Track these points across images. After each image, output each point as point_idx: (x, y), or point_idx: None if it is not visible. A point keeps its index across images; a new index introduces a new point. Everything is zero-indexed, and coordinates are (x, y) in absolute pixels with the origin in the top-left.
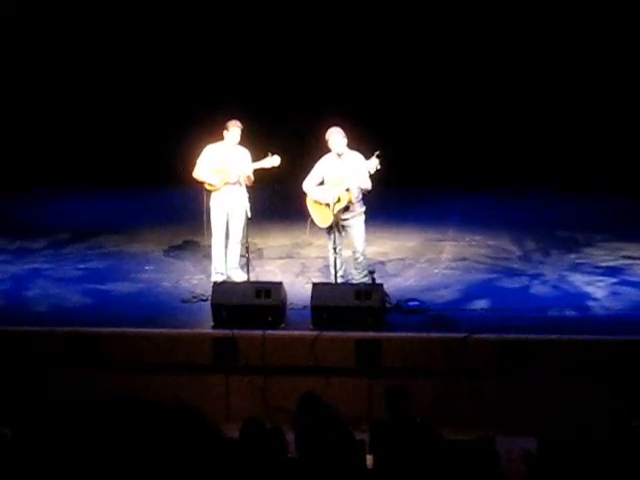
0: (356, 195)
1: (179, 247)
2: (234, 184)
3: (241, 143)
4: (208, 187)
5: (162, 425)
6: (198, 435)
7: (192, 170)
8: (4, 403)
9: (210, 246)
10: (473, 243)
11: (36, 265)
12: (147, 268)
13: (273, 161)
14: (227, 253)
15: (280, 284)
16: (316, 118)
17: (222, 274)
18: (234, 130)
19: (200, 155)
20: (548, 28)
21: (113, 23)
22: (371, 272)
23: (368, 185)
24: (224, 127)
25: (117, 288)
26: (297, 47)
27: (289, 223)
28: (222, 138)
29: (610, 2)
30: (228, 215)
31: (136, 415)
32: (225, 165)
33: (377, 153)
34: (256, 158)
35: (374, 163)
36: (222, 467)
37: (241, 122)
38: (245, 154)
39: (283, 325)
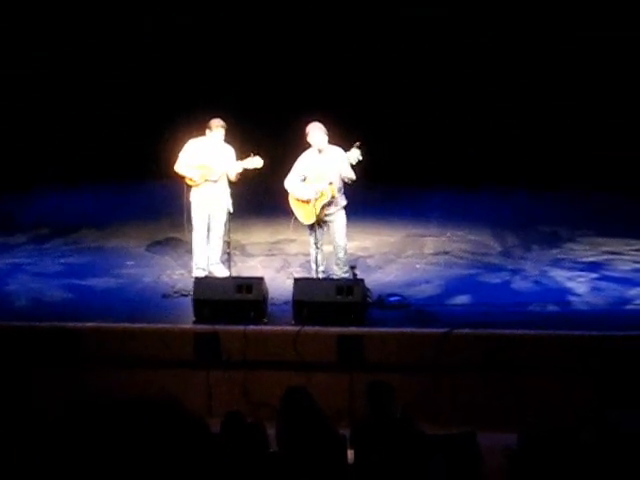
0: (339, 188)
1: (160, 242)
2: (215, 181)
3: (225, 140)
4: (189, 182)
5: (148, 419)
6: (183, 428)
7: (173, 163)
8: None
9: (191, 241)
10: (454, 238)
11: (16, 260)
12: (128, 263)
13: (255, 162)
14: (208, 249)
15: (261, 279)
16: (296, 114)
17: (203, 269)
18: (218, 130)
19: (182, 149)
20: (532, 26)
21: (97, 19)
22: (352, 267)
23: (352, 175)
24: (207, 126)
25: (98, 283)
26: (278, 44)
27: (271, 219)
28: (204, 134)
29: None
30: (209, 210)
31: (121, 410)
32: (208, 162)
33: (357, 144)
34: (238, 157)
35: (355, 154)
36: (204, 461)
37: (223, 119)
38: (229, 152)
39: (265, 320)
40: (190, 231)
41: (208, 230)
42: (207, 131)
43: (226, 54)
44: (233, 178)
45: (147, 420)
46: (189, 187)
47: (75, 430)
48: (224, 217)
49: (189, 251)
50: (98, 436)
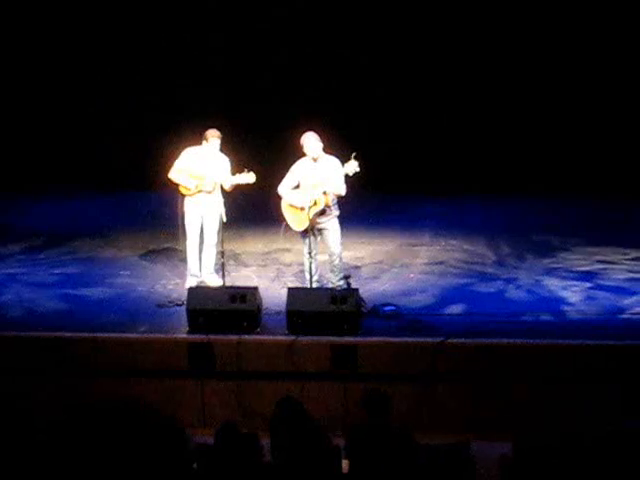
0: (332, 198)
1: (155, 252)
2: (209, 192)
3: (221, 150)
4: (183, 191)
5: (126, 428)
6: (161, 436)
7: (168, 171)
8: None
9: (185, 250)
10: (449, 248)
11: (11, 270)
12: (122, 273)
13: (248, 178)
14: (202, 257)
15: (255, 289)
16: (292, 123)
17: (197, 276)
18: (213, 141)
19: (178, 157)
20: (531, 30)
21: (95, 26)
22: (346, 277)
23: (342, 191)
24: (203, 136)
25: (92, 293)
26: (273, 53)
27: (265, 228)
28: (200, 144)
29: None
30: (202, 218)
31: (101, 416)
32: (202, 172)
33: (354, 154)
34: (233, 169)
35: (353, 166)
36: (196, 472)
37: (219, 129)
38: (225, 162)
39: (258, 330)
40: (184, 240)
41: (201, 239)
42: (203, 142)
43: (223, 63)
44: (227, 188)
45: (124, 426)
46: (183, 196)
47: (62, 437)
48: (217, 226)
49: (183, 260)
50: (82, 442)
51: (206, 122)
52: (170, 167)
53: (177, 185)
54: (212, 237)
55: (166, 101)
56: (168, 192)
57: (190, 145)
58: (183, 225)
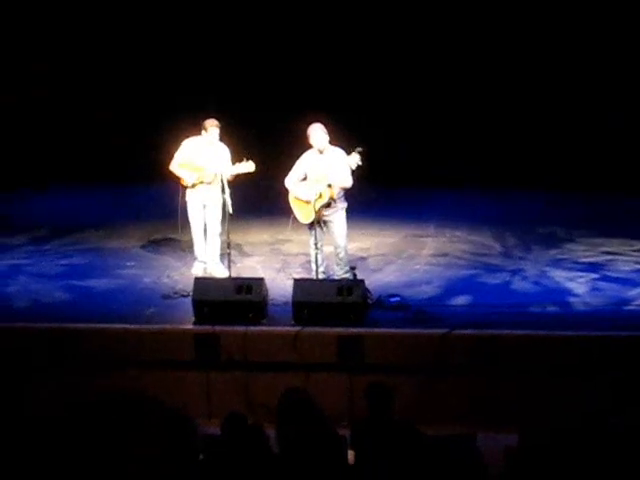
0: (338, 191)
1: (160, 243)
2: (210, 183)
3: (220, 140)
4: (183, 183)
5: (132, 419)
6: (167, 428)
7: (169, 162)
8: None
9: (187, 241)
10: (454, 239)
11: (17, 261)
12: (128, 264)
13: (248, 167)
14: (207, 246)
15: (261, 280)
16: (297, 114)
17: (204, 262)
18: (212, 130)
19: (178, 149)
20: (532, 28)
21: (92, 19)
22: (352, 268)
23: (348, 183)
24: (202, 126)
25: (98, 284)
26: (276, 44)
27: (271, 219)
28: (200, 134)
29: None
30: (204, 210)
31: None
32: (202, 164)
33: (359, 149)
34: (234, 158)
35: (355, 159)
36: (202, 463)
37: (219, 120)
38: (224, 152)
39: (264, 321)
40: (183, 231)
41: (205, 229)
42: (202, 132)
43: (225, 55)
44: (228, 178)
45: (129, 418)
46: (184, 187)
47: (65, 429)
48: (219, 215)
49: (187, 251)
50: (86, 434)
51: (209, 113)
52: (171, 159)
53: (179, 178)
54: (215, 227)
55: (167, 91)
56: (170, 184)
57: (190, 136)
58: (184, 216)
